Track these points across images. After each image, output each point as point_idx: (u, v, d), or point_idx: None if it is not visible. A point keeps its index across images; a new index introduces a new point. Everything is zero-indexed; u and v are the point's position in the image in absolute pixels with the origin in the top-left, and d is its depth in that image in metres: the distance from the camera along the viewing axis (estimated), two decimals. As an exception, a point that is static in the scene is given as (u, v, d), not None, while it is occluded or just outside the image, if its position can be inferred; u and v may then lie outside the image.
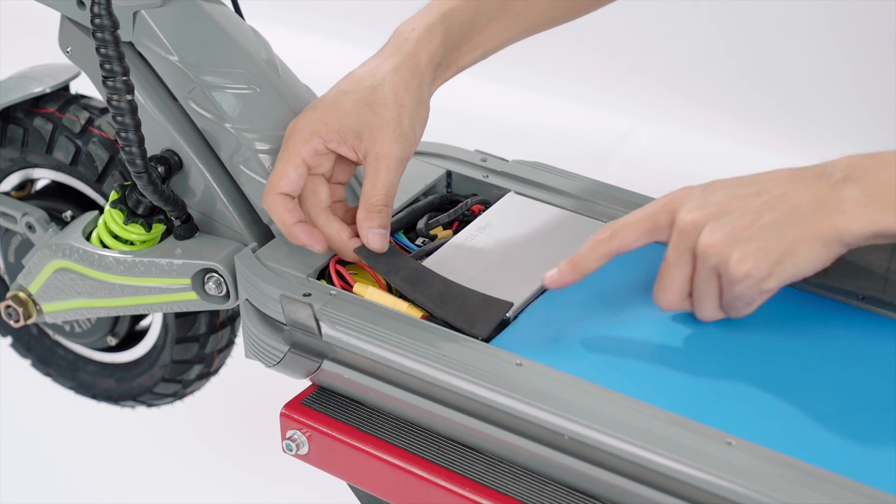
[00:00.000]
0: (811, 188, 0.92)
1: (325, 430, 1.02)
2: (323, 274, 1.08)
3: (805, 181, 0.93)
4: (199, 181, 1.14)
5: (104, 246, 1.20)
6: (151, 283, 1.15)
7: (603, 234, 0.98)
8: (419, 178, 1.19)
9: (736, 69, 2.27)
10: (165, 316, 1.34)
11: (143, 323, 1.41)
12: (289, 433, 1.04)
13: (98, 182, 1.29)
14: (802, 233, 0.91)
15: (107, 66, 1.02)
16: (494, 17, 1.11)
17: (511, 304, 1.01)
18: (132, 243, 1.19)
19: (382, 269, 1.04)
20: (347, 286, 1.06)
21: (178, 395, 1.43)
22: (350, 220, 1.09)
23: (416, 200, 1.17)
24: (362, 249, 1.05)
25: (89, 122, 1.29)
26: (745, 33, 2.26)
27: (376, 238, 1.05)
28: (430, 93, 1.08)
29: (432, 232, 1.13)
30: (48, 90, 1.31)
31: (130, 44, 1.12)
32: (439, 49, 1.07)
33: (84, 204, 1.33)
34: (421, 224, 1.14)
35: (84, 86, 1.28)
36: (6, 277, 1.42)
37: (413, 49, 1.07)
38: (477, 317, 1.00)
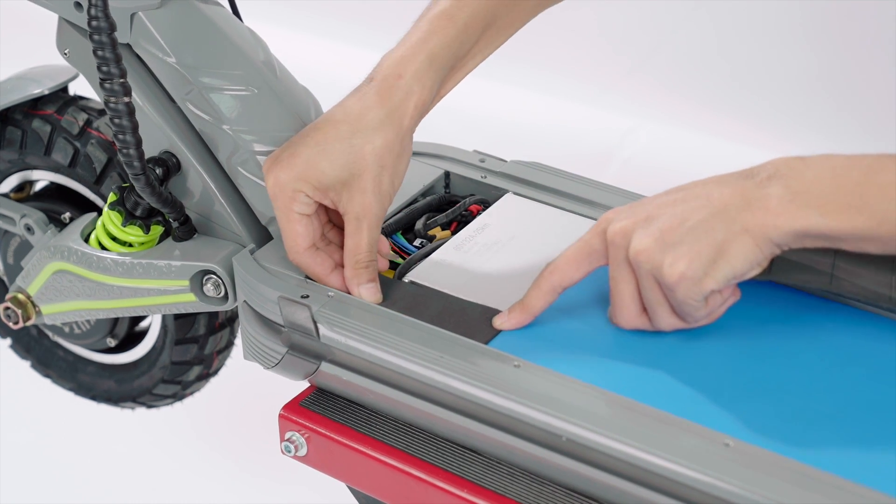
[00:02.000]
0: (737, 188, 0.92)
1: (323, 431, 1.02)
2: (321, 275, 1.08)
3: (731, 183, 0.93)
4: (197, 183, 1.14)
5: (103, 248, 1.19)
6: (150, 284, 1.15)
7: (545, 272, 0.99)
8: (417, 178, 1.19)
9: (736, 69, 2.27)
10: (164, 317, 1.34)
11: (143, 324, 1.41)
12: (287, 435, 1.04)
13: (96, 184, 1.29)
14: (731, 231, 0.92)
15: (104, 68, 1.02)
16: (480, 38, 1.09)
17: None
18: (130, 245, 1.19)
19: (378, 303, 1.04)
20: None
21: (177, 397, 1.43)
22: None
23: (414, 201, 1.17)
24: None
25: (87, 123, 1.29)
26: (746, 33, 2.26)
27: (369, 293, 1.05)
28: (412, 134, 1.07)
29: (430, 232, 1.13)
30: (47, 92, 1.31)
31: (128, 45, 1.12)
32: (428, 95, 1.06)
33: (82, 205, 1.33)
34: (419, 224, 1.14)
35: (82, 87, 1.28)
36: (5, 279, 1.42)
37: (401, 101, 1.05)
38: (476, 328, 1.00)
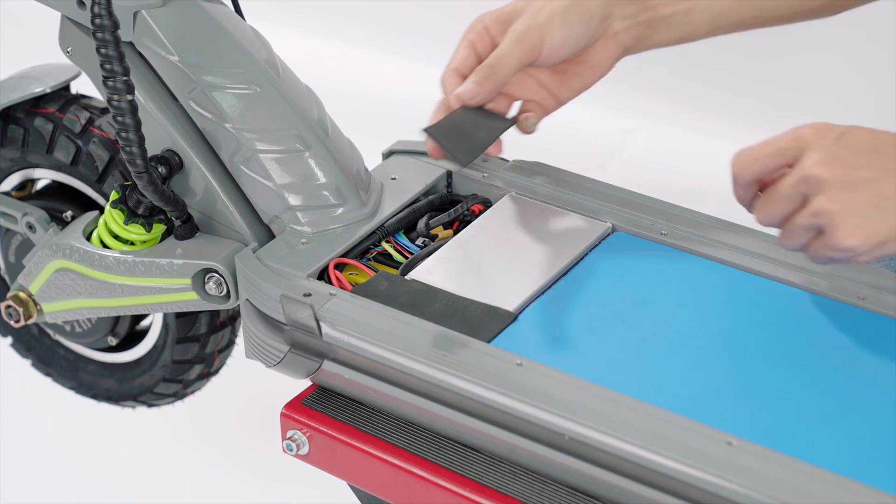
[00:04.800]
0: None
1: (325, 430, 1.03)
2: (323, 274, 1.08)
3: None
4: (199, 181, 1.14)
5: (105, 246, 1.20)
6: (152, 283, 1.15)
7: (735, 168, 0.99)
8: (419, 177, 1.19)
9: (737, 68, 2.27)
10: (166, 316, 1.34)
11: (144, 323, 1.41)
12: (289, 433, 1.04)
13: (98, 182, 1.29)
14: None
15: (107, 66, 1.02)
16: None
17: (512, 314, 1.02)
18: (133, 243, 1.19)
19: (382, 299, 1.04)
20: (347, 286, 1.06)
21: (178, 395, 1.43)
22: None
23: (416, 200, 1.17)
24: (360, 288, 1.05)
25: (90, 121, 1.29)
26: (747, 32, 2.26)
27: (462, 88, 1.07)
28: (600, 11, 1.08)
29: (433, 231, 1.13)
30: (49, 90, 1.31)
31: (131, 44, 1.12)
32: None
33: (84, 204, 1.33)
34: (421, 224, 1.14)
35: (84, 85, 1.28)
36: (7, 277, 1.42)
37: None
38: (478, 327, 1.00)
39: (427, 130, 1.07)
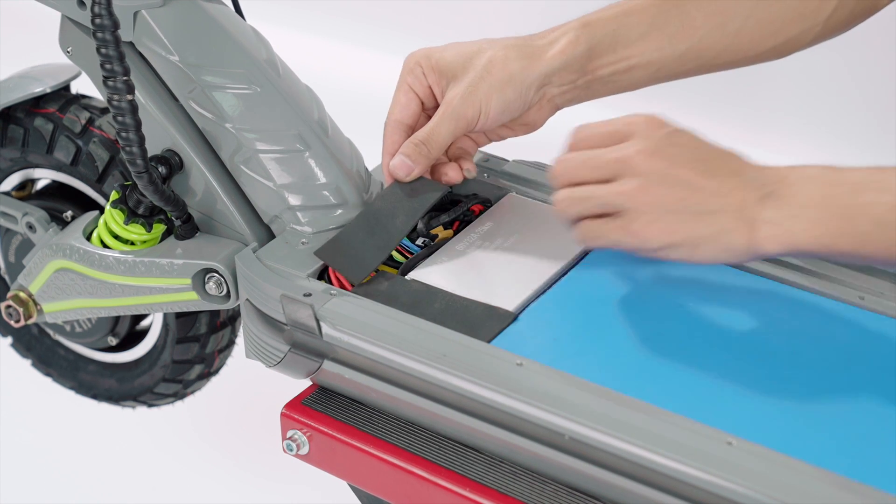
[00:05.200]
0: (741, 196, 0.94)
1: (325, 430, 1.03)
2: (323, 274, 1.08)
3: (742, 186, 0.94)
4: (199, 181, 1.14)
5: (105, 246, 1.20)
6: (152, 283, 1.16)
7: (573, 140, 1.02)
8: (419, 178, 1.19)
9: (736, 70, 2.27)
10: (166, 316, 1.34)
11: (144, 323, 1.41)
12: (289, 433, 1.04)
13: (99, 182, 1.29)
14: (711, 234, 0.94)
15: (107, 66, 1.03)
16: (645, 35, 1.10)
17: (512, 314, 1.02)
18: (133, 243, 1.19)
19: (382, 299, 1.04)
20: (347, 287, 1.06)
21: (178, 395, 1.43)
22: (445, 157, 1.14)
23: (416, 200, 1.17)
24: (360, 288, 1.06)
25: (90, 121, 1.29)
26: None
27: (396, 163, 1.09)
28: (538, 83, 1.09)
29: (433, 231, 1.13)
30: (49, 90, 1.32)
31: (131, 44, 1.12)
32: (571, 48, 1.08)
33: (85, 204, 1.34)
34: (422, 224, 1.14)
35: (85, 85, 1.28)
36: (7, 277, 1.43)
37: (540, 41, 1.09)
38: (478, 327, 1.00)
39: (318, 254, 1.08)
